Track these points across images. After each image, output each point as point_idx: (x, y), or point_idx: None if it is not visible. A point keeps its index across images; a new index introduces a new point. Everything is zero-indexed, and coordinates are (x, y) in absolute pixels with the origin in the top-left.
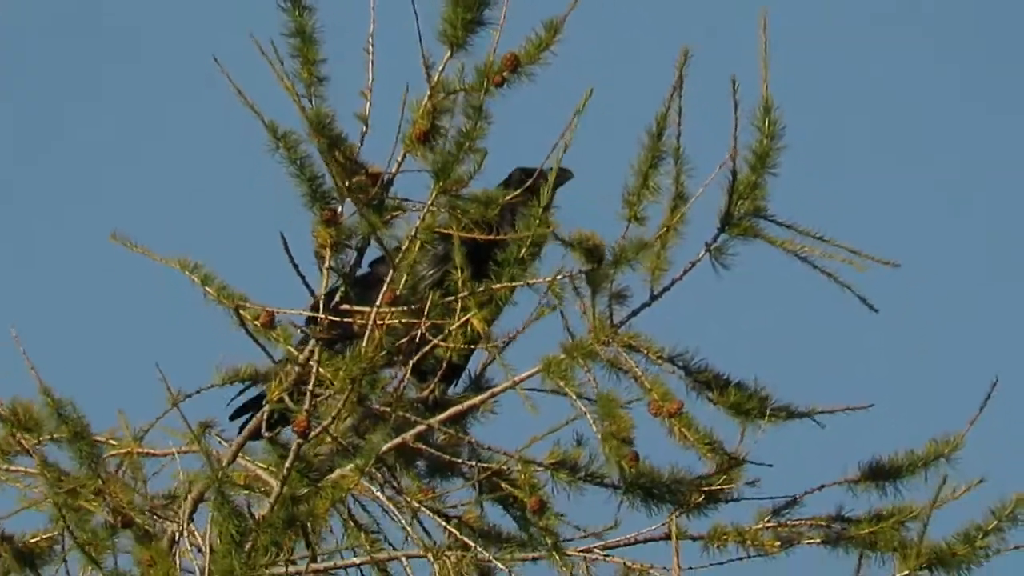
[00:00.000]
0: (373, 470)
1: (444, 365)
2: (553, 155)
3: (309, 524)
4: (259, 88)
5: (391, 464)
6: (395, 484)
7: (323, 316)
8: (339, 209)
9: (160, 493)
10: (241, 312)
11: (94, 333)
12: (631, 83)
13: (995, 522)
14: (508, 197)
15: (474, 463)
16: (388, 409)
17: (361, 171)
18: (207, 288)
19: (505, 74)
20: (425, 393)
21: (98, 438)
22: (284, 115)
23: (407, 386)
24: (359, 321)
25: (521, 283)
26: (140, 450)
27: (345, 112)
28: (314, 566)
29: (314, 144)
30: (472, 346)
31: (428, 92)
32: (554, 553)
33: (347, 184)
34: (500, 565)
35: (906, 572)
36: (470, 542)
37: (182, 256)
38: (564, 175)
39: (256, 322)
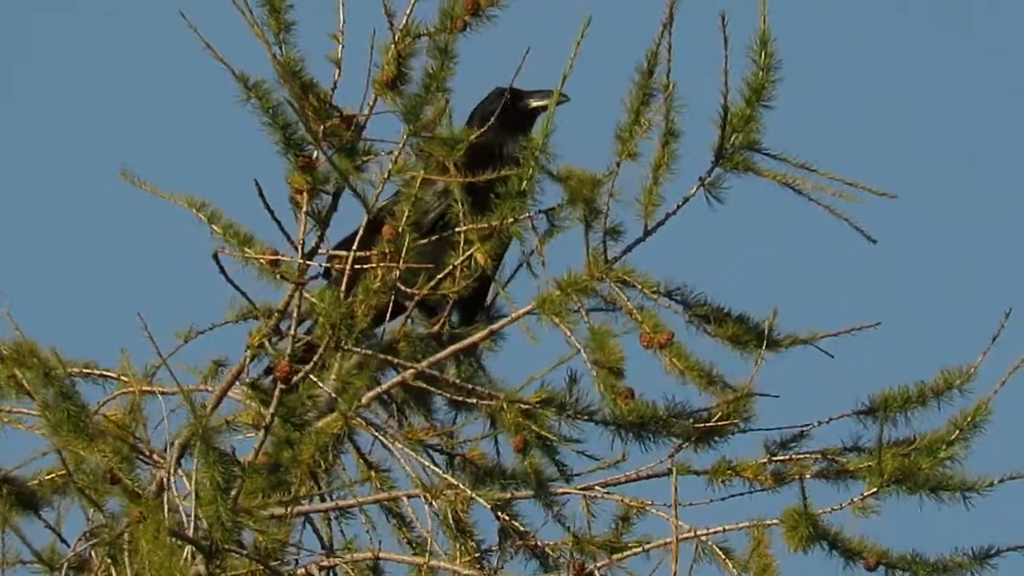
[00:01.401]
0: (375, 408)
1: (450, 301)
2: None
3: (293, 470)
4: (222, 37)
5: (400, 401)
6: (406, 421)
7: (301, 261)
8: (315, 155)
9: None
10: (247, 251)
11: (107, 270)
12: (623, 21)
13: (956, 432)
14: (472, 136)
15: (474, 400)
16: (373, 354)
17: (335, 115)
18: (214, 226)
19: (467, 18)
20: (436, 328)
21: (109, 374)
22: (246, 64)
23: (415, 322)
24: (336, 266)
25: (486, 225)
26: (147, 388)
27: (318, 56)
28: (319, 506)
29: (285, 91)
30: (474, 282)
31: (394, 38)
32: (540, 494)
33: (321, 129)
34: (484, 504)
35: (873, 490)
36: (456, 481)
37: (188, 194)
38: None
39: (262, 260)
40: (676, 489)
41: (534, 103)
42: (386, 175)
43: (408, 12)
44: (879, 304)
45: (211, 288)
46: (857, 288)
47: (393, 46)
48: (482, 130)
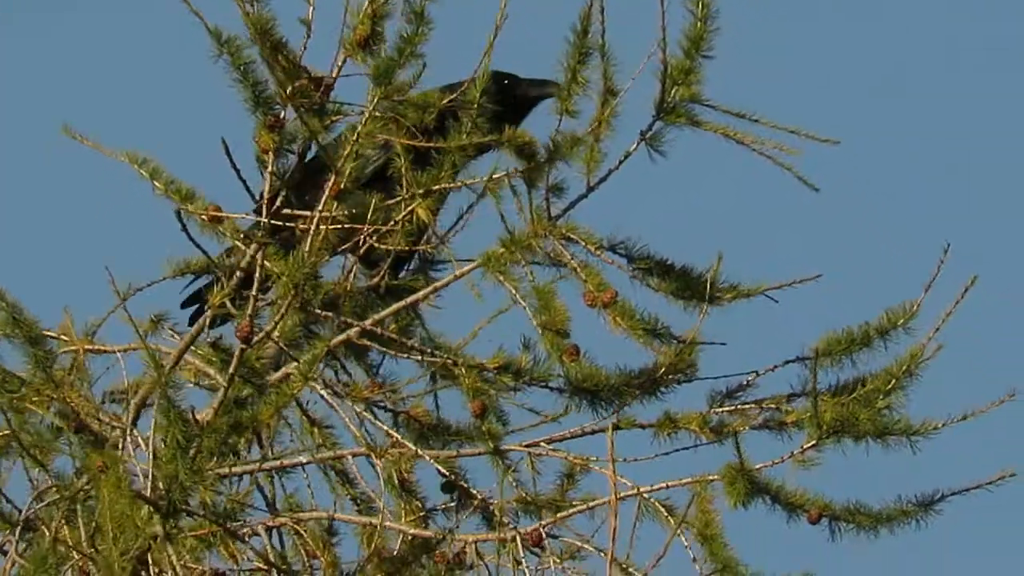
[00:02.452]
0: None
1: (392, 254)
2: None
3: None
4: None
5: (341, 356)
6: (346, 376)
7: (264, 220)
8: (282, 114)
9: (110, 391)
10: (189, 207)
11: (44, 227)
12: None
13: (893, 381)
14: (445, 100)
15: (420, 357)
16: (330, 314)
17: (303, 75)
18: (156, 182)
19: None
20: (375, 281)
21: (50, 334)
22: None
23: (356, 276)
24: (301, 226)
25: (458, 184)
26: (90, 347)
27: (289, 17)
28: (264, 464)
29: (257, 49)
30: (418, 236)
31: None
32: (495, 458)
33: (289, 89)
34: (436, 465)
35: (812, 442)
36: (406, 441)
37: (131, 150)
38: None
39: (204, 216)
40: (613, 445)
41: (533, 92)
42: (356, 137)
43: None
44: (824, 251)
45: (145, 244)
46: (804, 236)
47: (368, 5)
48: (453, 96)
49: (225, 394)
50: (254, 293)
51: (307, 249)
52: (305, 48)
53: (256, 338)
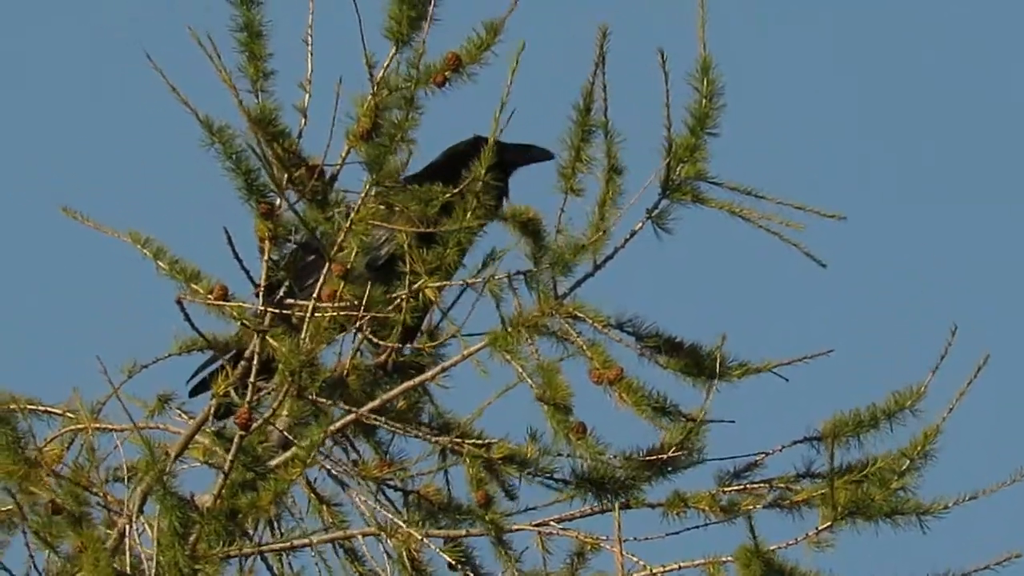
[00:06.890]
0: (328, 443)
1: (399, 331)
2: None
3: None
4: (182, 78)
5: (350, 434)
6: (355, 455)
7: (262, 307)
8: (276, 202)
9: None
10: (195, 286)
11: (47, 305)
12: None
13: (907, 462)
14: (447, 195)
15: (426, 437)
16: (327, 401)
17: (301, 164)
18: (159, 262)
19: (447, 73)
20: (383, 358)
21: (55, 411)
22: (209, 107)
23: (363, 353)
24: (297, 314)
25: (460, 282)
26: (96, 425)
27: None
28: (272, 545)
29: (252, 138)
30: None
31: (372, 90)
32: (499, 547)
33: (288, 178)
34: (442, 554)
35: (827, 524)
36: (411, 521)
37: (132, 230)
38: (543, 155)
39: (210, 296)
40: (620, 527)
41: (521, 159)
42: (348, 224)
43: (386, 64)
44: (832, 327)
45: (151, 320)
46: (812, 311)
47: (371, 98)
48: (457, 190)
49: (224, 481)
50: (252, 380)
51: (306, 336)
52: (301, 135)
53: (254, 425)
